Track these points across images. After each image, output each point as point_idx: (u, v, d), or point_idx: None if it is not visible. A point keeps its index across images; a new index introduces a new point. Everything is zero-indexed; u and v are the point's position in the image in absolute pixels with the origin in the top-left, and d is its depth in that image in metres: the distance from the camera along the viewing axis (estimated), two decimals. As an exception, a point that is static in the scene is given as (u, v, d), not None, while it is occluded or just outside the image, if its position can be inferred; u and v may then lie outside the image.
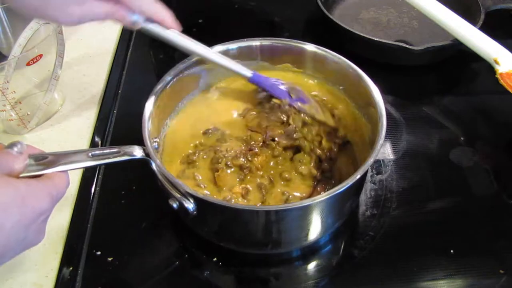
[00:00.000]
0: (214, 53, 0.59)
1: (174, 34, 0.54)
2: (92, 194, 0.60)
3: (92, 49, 0.83)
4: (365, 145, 0.57)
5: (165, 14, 0.52)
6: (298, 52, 0.63)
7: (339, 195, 0.47)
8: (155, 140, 0.56)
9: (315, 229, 0.52)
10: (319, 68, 0.64)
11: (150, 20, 0.52)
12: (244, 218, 0.49)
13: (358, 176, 0.47)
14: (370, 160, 0.48)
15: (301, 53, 0.63)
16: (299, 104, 0.59)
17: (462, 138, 0.69)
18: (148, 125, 0.52)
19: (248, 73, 0.60)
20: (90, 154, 0.46)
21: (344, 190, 0.46)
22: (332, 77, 0.63)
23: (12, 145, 0.40)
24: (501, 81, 0.65)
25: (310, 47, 0.63)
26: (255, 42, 0.64)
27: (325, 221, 0.52)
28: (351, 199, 0.55)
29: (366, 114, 0.58)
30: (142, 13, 0.51)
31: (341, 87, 0.62)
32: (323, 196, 0.46)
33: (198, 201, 0.47)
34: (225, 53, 0.62)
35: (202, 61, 0.61)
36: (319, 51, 0.62)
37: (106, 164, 0.60)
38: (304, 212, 0.49)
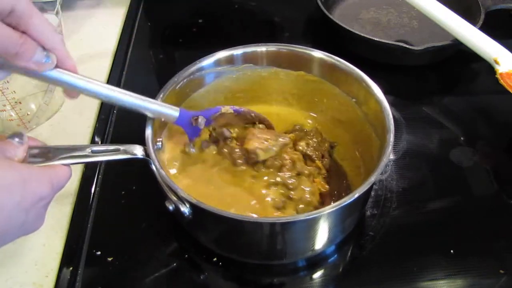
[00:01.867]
0: (130, 95, 0.49)
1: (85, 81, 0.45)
2: (92, 194, 0.60)
3: (92, 49, 0.83)
4: (372, 160, 0.55)
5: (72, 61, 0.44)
6: (306, 60, 0.61)
7: (346, 208, 0.46)
8: (159, 139, 0.56)
9: (321, 240, 0.52)
10: (329, 77, 0.61)
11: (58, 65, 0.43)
12: (242, 228, 0.49)
13: (357, 195, 0.46)
14: (372, 179, 0.47)
15: (309, 60, 0.61)
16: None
17: (462, 138, 0.69)
18: (151, 125, 0.52)
19: (175, 112, 0.52)
20: (90, 150, 0.46)
21: (347, 204, 0.45)
22: (343, 86, 0.60)
23: (13, 136, 0.40)
24: (501, 81, 0.65)
25: (317, 53, 0.60)
26: (261, 48, 0.61)
27: (332, 232, 0.51)
28: (358, 209, 0.55)
29: (375, 129, 0.56)
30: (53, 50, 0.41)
31: (353, 99, 0.60)
32: (330, 208, 0.45)
33: (193, 206, 0.46)
34: (229, 58, 0.60)
35: (209, 65, 0.59)
36: (327, 58, 0.60)
37: (106, 161, 0.60)
38: (311, 224, 0.48)
